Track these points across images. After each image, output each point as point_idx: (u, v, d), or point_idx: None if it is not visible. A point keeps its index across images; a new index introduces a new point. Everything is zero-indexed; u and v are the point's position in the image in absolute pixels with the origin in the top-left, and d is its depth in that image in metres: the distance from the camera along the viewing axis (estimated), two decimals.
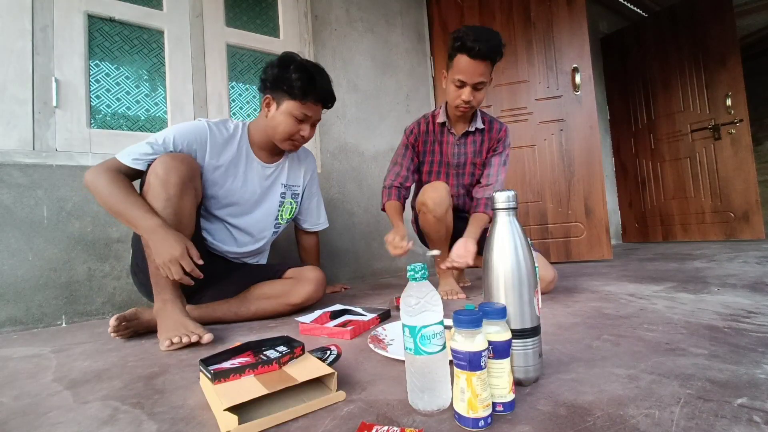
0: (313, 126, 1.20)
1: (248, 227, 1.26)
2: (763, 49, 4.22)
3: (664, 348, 0.70)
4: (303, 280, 1.21)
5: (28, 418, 0.58)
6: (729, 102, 2.76)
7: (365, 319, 1.04)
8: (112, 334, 1.00)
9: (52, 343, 1.08)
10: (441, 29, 2.45)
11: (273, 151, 1.27)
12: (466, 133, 1.41)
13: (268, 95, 1.16)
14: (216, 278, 1.19)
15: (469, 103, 1.27)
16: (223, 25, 1.79)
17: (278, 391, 0.54)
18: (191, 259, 0.91)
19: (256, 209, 1.26)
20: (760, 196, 2.70)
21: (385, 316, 1.10)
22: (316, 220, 1.48)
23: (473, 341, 0.46)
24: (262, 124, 1.21)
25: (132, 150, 1.03)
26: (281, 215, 1.33)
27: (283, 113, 1.14)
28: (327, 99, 1.18)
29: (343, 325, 0.98)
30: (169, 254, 0.89)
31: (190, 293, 1.10)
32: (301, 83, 1.10)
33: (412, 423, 0.48)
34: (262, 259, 1.41)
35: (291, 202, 1.35)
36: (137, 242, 1.03)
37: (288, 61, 1.12)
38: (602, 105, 3.50)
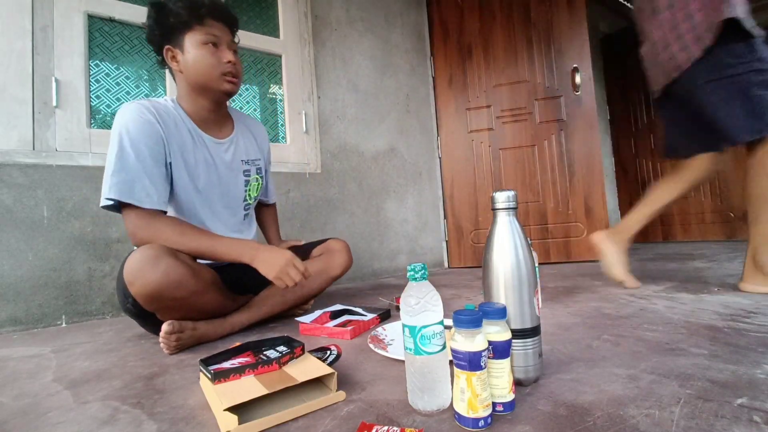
0: (234, 52, 1.03)
1: (216, 217, 1.10)
2: None
3: (664, 348, 0.70)
4: (335, 253, 1.21)
5: (28, 418, 0.58)
6: None
7: (365, 319, 1.04)
8: (164, 346, 0.88)
9: (52, 343, 1.08)
10: (441, 29, 2.45)
11: (218, 120, 1.10)
12: None
13: (167, 47, 1.00)
14: (247, 277, 1.11)
15: None
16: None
17: (278, 391, 0.54)
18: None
19: (220, 196, 1.10)
20: None
21: (385, 316, 1.10)
22: (273, 191, 1.40)
23: (473, 341, 0.46)
24: (185, 87, 1.03)
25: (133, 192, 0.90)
26: (249, 194, 1.18)
27: (192, 51, 0.98)
28: (224, 13, 1.02)
29: (343, 325, 0.98)
30: (283, 260, 0.92)
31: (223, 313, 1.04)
32: (188, 7, 0.96)
33: (412, 423, 0.48)
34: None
35: (257, 178, 1.20)
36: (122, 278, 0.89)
37: (159, 2, 0.98)
38: (602, 105, 3.50)
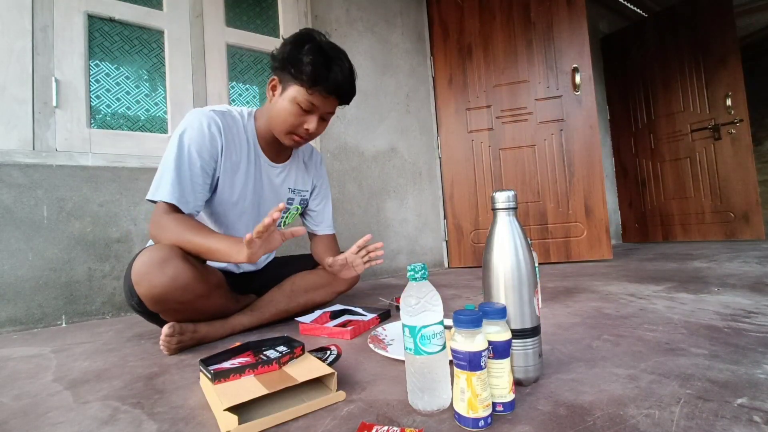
0: (322, 120, 1.02)
1: (246, 232, 1.09)
2: (763, 49, 4.22)
3: (664, 348, 0.70)
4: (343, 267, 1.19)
5: (28, 418, 0.58)
6: (729, 102, 2.76)
7: (365, 319, 1.04)
8: (163, 348, 0.87)
9: (52, 343, 1.08)
10: (441, 29, 2.45)
11: (281, 147, 1.11)
12: None
13: (275, 76, 1.00)
14: (257, 283, 1.13)
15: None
16: (223, 25, 1.79)
17: (278, 391, 0.54)
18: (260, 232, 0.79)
19: (257, 216, 1.10)
20: (760, 196, 2.70)
21: (385, 316, 1.10)
22: (330, 221, 1.30)
23: (473, 341, 0.46)
24: (266, 111, 1.05)
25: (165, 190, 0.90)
26: (284, 221, 1.21)
27: (287, 99, 0.97)
28: (341, 92, 0.98)
29: (343, 325, 0.98)
30: (244, 254, 0.81)
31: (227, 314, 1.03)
32: (312, 68, 0.91)
33: (412, 423, 0.48)
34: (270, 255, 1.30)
35: (297, 208, 1.22)
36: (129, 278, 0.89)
37: (304, 39, 0.95)
38: (602, 105, 3.50)
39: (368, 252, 1.09)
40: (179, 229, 0.89)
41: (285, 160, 1.15)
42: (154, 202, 0.93)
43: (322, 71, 0.93)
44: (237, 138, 1.02)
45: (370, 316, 1.07)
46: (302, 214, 1.29)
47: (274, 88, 1.01)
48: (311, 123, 0.99)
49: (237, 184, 1.03)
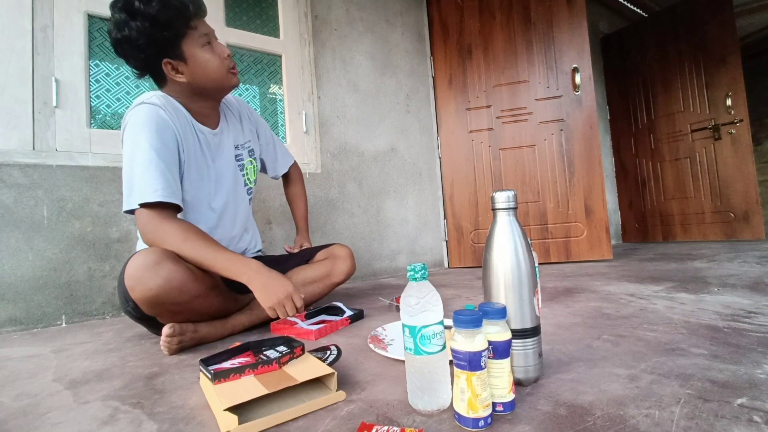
0: (217, 40, 1.02)
1: (224, 206, 1.10)
2: (763, 49, 4.22)
3: (664, 348, 0.70)
4: (338, 259, 1.21)
5: (28, 418, 0.58)
6: (729, 102, 2.76)
7: (336, 319, 1.06)
8: (164, 348, 0.87)
9: (52, 343, 1.08)
10: (441, 29, 2.45)
11: (209, 111, 1.08)
12: None
13: (165, 61, 0.95)
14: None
15: None
16: (223, 25, 1.79)
17: (278, 391, 0.54)
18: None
19: (223, 185, 1.09)
20: (760, 196, 2.70)
21: (356, 318, 1.11)
22: (284, 160, 1.35)
23: (473, 341, 0.46)
24: (185, 90, 1.00)
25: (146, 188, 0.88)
26: (247, 179, 1.19)
27: (195, 53, 0.95)
28: (200, 6, 0.98)
29: (317, 324, 1.01)
30: (283, 292, 0.87)
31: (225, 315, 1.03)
32: (170, 13, 0.89)
33: (412, 423, 0.48)
34: (256, 236, 1.28)
35: (251, 161, 1.20)
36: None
37: (134, 12, 0.88)
38: (602, 105, 3.50)
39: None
40: (183, 239, 0.88)
41: (218, 122, 1.12)
42: (133, 211, 0.90)
43: (181, 9, 0.92)
44: (179, 119, 0.99)
45: (342, 317, 1.09)
46: (263, 165, 1.32)
47: (175, 69, 0.97)
48: (222, 48, 1.00)
49: (196, 160, 1.02)
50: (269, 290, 0.87)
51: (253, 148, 1.22)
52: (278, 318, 0.89)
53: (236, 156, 1.15)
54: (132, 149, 0.91)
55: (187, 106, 1.03)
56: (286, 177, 1.42)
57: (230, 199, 1.12)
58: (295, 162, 1.41)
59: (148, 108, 0.93)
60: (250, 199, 1.22)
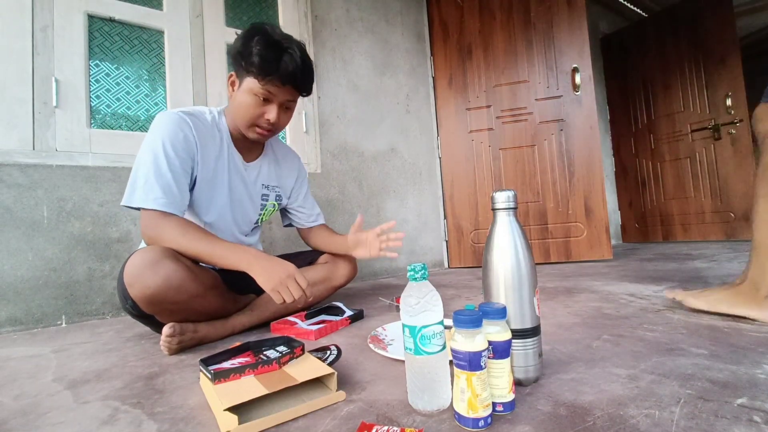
0: (282, 108, 1.01)
1: (225, 229, 1.10)
2: (763, 49, 4.22)
3: (664, 348, 0.70)
4: (340, 262, 1.22)
5: (28, 418, 0.58)
6: (729, 102, 2.76)
7: (336, 319, 1.06)
8: (164, 348, 0.87)
9: (52, 343, 1.08)
10: (441, 29, 2.45)
11: (252, 143, 1.11)
12: None
13: (232, 72, 1.00)
14: (249, 277, 1.15)
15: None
16: (223, 25, 1.79)
17: (278, 391, 0.54)
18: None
19: (234, 212, 1.10)
20: None
21: (356, 318, 1.11)
22: (319, 211, 1.33)
23: (473, 341, 0.46)
24: (229, 109, 1.05)
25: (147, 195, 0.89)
26: (261, 218, 1.21)
27: (244, 92, 0.97)
28: (295, 80, 0.96)
29: (317, 324, 1.01)
30: (284, 272, 0.87)
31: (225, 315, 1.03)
32: (260, 59, 0.91)
33: (412, 423, 0.48)
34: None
35: (273, 204, 1.21)
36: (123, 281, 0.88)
37: (253, 32, 0.94)
38: (602, 105, 3.50)
39: (388, 238, 1.11)
40: (182, 233, 0.89)
41: (257, 157, 1.15)
42: (135, 208, 0.91)
43: (271, 61, 0.92)
44: (209, 136, 1.01)
45: (342, 317, 1.08)
46: (286, 212, 1.30)
47: (233, 84, 1.01)
48: (271, 113, 0.98)
49: (212, 182, 1.03)
50: (270, 272, 0.87)
51: (280, 194, 1.22)
52: (284, 301, 0.88)
53: (262, 195, 1.17)
54: (145, 151, 0.92)
55: (231, 126, 1.06)
56: (317, 230, 1.31)
57: (229, 223, 1.11)
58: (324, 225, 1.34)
59: (173, 115, 0.96)
60: (253, 229, 1.21)
